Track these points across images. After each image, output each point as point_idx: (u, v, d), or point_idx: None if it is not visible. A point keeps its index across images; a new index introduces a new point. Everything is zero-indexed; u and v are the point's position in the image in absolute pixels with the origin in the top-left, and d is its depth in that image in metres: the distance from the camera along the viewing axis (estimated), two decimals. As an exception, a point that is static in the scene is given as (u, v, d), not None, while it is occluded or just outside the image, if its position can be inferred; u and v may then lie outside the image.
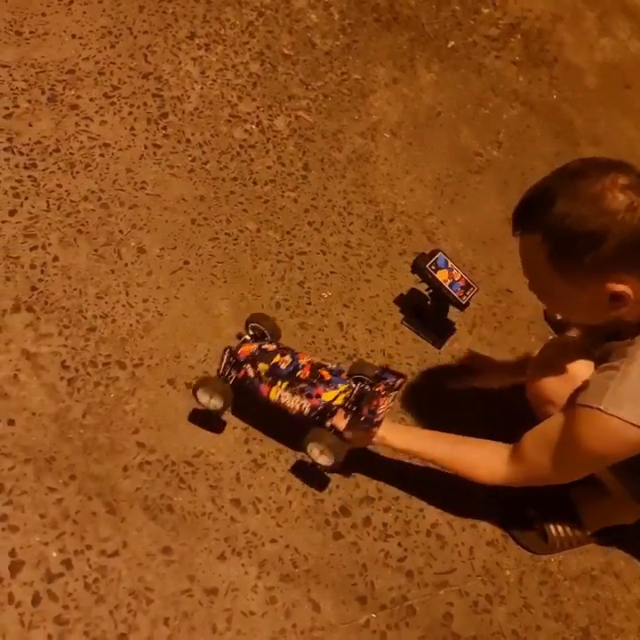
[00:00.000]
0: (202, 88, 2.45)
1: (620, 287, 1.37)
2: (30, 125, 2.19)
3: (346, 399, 1.71)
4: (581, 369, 1.63)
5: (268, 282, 2.14)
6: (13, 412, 1.75)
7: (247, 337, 1.83)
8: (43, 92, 2.26)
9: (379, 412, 1.66)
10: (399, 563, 1.82)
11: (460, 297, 2.04)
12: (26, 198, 2.06)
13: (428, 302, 2.13)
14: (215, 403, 1.75)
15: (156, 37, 2.51)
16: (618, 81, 3.10)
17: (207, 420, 1.86)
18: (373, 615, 1.74)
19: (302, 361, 1.78)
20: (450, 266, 2.08)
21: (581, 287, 1.40)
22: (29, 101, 2.23)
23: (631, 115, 3.00)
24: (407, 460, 1.95)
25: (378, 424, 1.69)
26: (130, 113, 2.32)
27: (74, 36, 2.41)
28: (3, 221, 2.01)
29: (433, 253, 2.09)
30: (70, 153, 2.18)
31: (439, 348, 2.14)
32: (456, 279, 2.07)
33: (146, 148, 2.27)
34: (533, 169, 2.68)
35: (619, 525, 1.89)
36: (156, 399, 1.87)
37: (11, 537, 1.61)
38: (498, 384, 2.05)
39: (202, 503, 1.76)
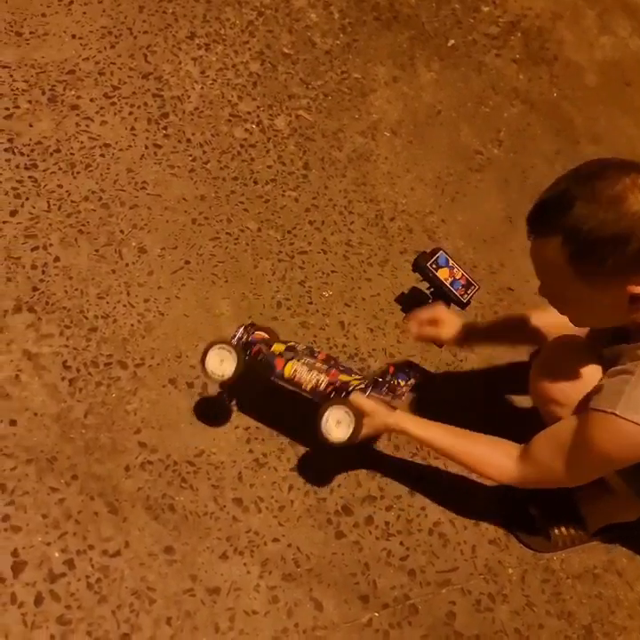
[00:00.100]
0: (202, 88, 2.45)
1: None
2: (31, 126, 2.19)
3: (362, 381, 1.71)
4: (586, 368, 1.63)
5: (269, 281, 2.14)
6: (15, 412, 1.75)
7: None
8: (43, 93, 2.26)
9: (400, 386, 1.69)
10: (401, 561, 1.82)
11: (462, 295, 2.04)
12: (27, 199, 2.07)
13: (430, 301, 2.13)
14: (225, 368, 1.71)
15: (156, 37, 2.51)
16: (618, 79, 3.10)
17: (210, 406, 1.87)
18: (376, 614, 1.74)
19: (318, 349, 1.79)
20: (451, 264, 2.07)
21: (602, 290, 1.38)
22: (30, 102, 2.24)
23: (631, 113, 3.00)
24: (409, 458, 1.96)
25: (400, 396, 1.69)
26: (130, 113, 2.32)
27: (74, 37, 2.41)
28: (4, 222, 2.01)
29: (434, 252, 2.08)
30: (71, 153, 2.18)
31: (441, 347, 2.13)
32: (457, 277, 2.06)
33: (146, 147, 2.27)
34: (534, 167, 2.68)
35: (621, 523, 1.89)
36: (158, 399, 1.87)
37: (13, 537, 1.61)
38: (462, 344, 2.01)
39: (204, 503, 1.76)
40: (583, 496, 1.88)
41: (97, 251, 2.04)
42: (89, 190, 2.13)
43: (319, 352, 1.77)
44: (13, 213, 2.03)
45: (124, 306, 1.98)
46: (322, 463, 1.89)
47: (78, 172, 2.15)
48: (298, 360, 1.73)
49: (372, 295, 2.21)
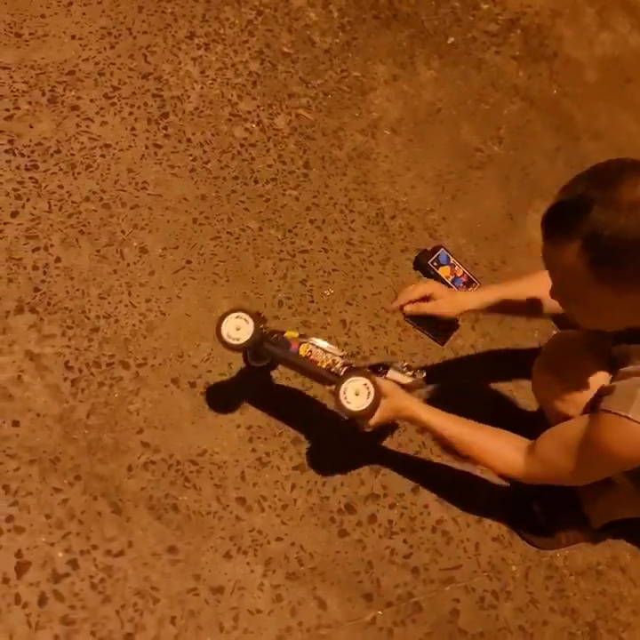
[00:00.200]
0: (202, 87, 2.45)
1: None
2: (31, 127, 2.19)
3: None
4: (590, 365, 1.63)
5: (271, 280, 2.14)
6: (18, 413, 1.76)
7: None
8: (43, 94, 2.26)
9: (414, 370, 1.70)
10: (405, 559, 1.82)
11: (463, 293, 2.04)
12: (27, 200, 2.07)
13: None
14: (240, 334, 1.70)
15: (155, 37, 2.51)
16: (618, 75, 3.10)
17: (218, 396, 1.86)
18: (379, 612, 1.74)
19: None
20: (452, 262, 2.07)
21: (621, 294, 1.35)
22: (30, 103, 2.24)
23: (632, 109, 2.99)
24: (411, 456, 1.96)
25: (410, 388, 1.70)
26: (130, 113, 2.32)
27: (73, 38, 2.41)
28: (5, 223, 2.01)
29: (435, 250, 2.08)
30: (71, 154, 2.18)
31: (442, 345, 2.12)
32: (458, 275, 2.06)
33: (147, 148, 2.27)
34: (534, 164, 2.67)
35: (625, 520, 1.89)
36: (160, 399, 1.87)
37: (17, 538, 1.62)
38: (457, 314, 1.88)
39: (207, 502, 1.77)
40: (586, 493, 1.87)
41: (98, 251, 2.04)
42: (90, 191, 2.14)
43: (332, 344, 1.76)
44: (14, 214, 2.03)
45: (126, 306, 1.98)
46: (325, 462, 1.89)
47: (79, 173, 2.16)
48: (312, 343, 1.72)
49: (373, 293, 2.21)
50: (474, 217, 2.48)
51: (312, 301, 2.14)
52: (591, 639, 1.84)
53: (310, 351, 1.71)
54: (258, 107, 2.48)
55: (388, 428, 1.99)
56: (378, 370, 1.72)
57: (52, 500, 1.68)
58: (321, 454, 1.90)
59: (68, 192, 2.11)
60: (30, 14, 2.41)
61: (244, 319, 1.71)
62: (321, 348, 1.71)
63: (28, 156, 2.14)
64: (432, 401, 2.02)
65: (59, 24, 2.42)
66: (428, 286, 1.81)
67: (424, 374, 1.74)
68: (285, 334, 1.74)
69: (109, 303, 1.97)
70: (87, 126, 2.25)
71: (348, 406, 1.61)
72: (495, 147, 2.68)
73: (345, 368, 1.68)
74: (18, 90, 2.24)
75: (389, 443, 1.98)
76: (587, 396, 1.68)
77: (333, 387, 1.64)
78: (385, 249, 2.31)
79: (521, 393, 2.14)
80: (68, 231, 2.05)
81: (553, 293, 1.49)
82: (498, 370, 2.19)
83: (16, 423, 1.74)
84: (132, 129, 2.29)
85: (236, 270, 2.13)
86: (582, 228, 1.29)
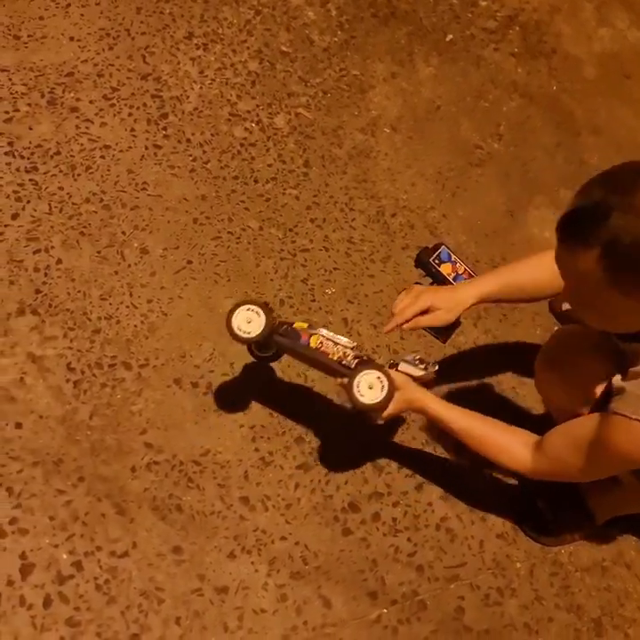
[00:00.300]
0: (201, 88, 2.45)
1: None
2: (30, 129, 2.20)
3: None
4: (594, 361, 1.63)
5: (272, 279, 2.14)
6: (20, 415, 1.76)
7: None
8: (42, 96, 2.26)
9: (427, 363, 1.69)
10: (409, 557, 1.82)
11: (465, 290, 2.03)
12: (28, 202, 2.07)
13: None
14: (251, 327, 1.68)
15: (154, 38, 2.51)
16: (617, 71, 3.09)
17: (225, 395, 1.86)
18: (384, 610, 1.74)
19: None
20: (453, 259, 2.06)
21: (638, 299, 1.34)
22: (29, 105, 2.24)
23: (631, 104, 2.98)
24: (415, 455, 1.96)
25: (431, 366, 1.70)
26: (130, 114, 2.32)
27: (72, 39, 2.41)
28: (5, 225, 2.01)
29: (436, 247, 2.08)
30: (71, 155, 2.18)
31: (444, 342, 2.11)
32: (460, 272, 2.05)
33: (146, 148, 2.27)
34: (534, 160, 2.67)
35: (630, 515, 1.89)
36: (163, 399, 1.87)
37: (21, 540, 1.62)
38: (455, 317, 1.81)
39: (210, 502, 1.77)
40: (591, 489, 1.87)
41: (99, 252, 2.04)
42: (90, 192, 2.14)
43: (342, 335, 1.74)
44: (15, 216, 2.03)
45: (127, 307, 1.98)
46: (328, 460, 1.89)
47: (79, 174, 2.16)
48: (322, 335, 1.70)
49: (374, 292, 2.21)
50: (474, 214, 2.48)
51: (313, 300, 2.14)
52: (596, 635, 1.84)
53: (321, 343, 1.69)
54: (257, 106, 2.48)
55: (396, 422, 1.99)
56: (389, 362, 1.72)
57: (55, 502, 1.68)
58: (324, 453, 1.90)
59: (68, 194, 2.11)
60: (28, 16, 2.41)
61: (255, 312, 1.68)
62: (331, 340, 1.69)
63: (28, 158, 2.14)
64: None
65: (57, 26, 2.42)
66: (423, 301, 1.71)
67: (436, 367, 1.72)
68: (294, 325, 1.73)
69: (111, 304, 1.97)
70: (87, 128, 2.25)
71: (362, 400, 1.59)
72: (495, 143, 2.68)
73: (356, 360, 1.66)
74: (17, 92, 2.25)
75: (393, 441, 1.97)
76: (592, 391, 1.68)
77: (345, 380, 1.62)
78: (386, 247, 2.31)
79: (524, 389, 2.13)
80: (68, 233, 2.05)
81: (566, 297, 1.47)
82: (500, 367, 2.19)
83: (19, 425, 1.74)
84: (132, 130, 2.29)
85: (237, 270, 2.12)
86: (601, 234, 1.27)
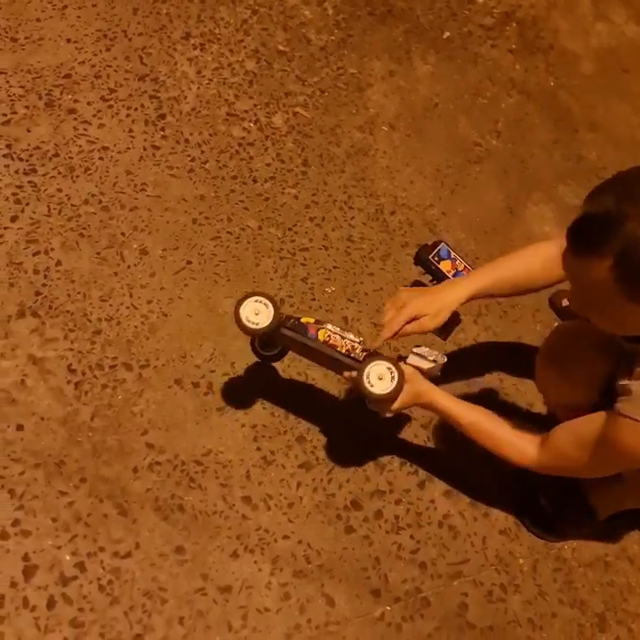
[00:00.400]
0: (198, 88, 2.45)
1: None
2: (29, 131, 2.20)
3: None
4: (595, 357, 1.63)
5: (272, 279, 2.14)
6: (22, 417, 1.76)
7: None
8: (40, 98, 2.27)
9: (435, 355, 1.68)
10: (412, 555, 1.82)
11: (464, 287, 2.03)
12: (27, 204, 2.07)
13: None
14: (260, 319, 1.66)
15: (151, 39, 2.51)
16: (615, 66, 3.09)
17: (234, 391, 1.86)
18: (388, 608, 1.74)
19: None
20: (453, 256, 2.07)
21: None
22: (27, 107, 2.24)
23: (629, 99, 2.98)
24: (417, 452, 1.96)
25: (440, 358, 1.69)
26: (127, 115, 2.32)
27: (69, 41, 2.41)
28: (5, 228, 2.01)
29: (435, 244, 2.08)
30: (69, 157, 2.18)
31: (445, 339, 2.12)
32: (459, 269, 2.06)
33: (145, 149, 2.27)
34: (533, 156, 2.67)
35: (632, 510, 1.88)
36: (164, 399, 1.87)
37: (23, 542, 1.62)
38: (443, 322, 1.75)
39: (213, 502, 1.77)
40: (592, 484, 1.87)
41: (98, 254, 2.04)
42: (89, 193, 2.14)
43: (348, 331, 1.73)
44: (14, 219, 2.03)
45: (128, 308, 1.98)
46: (330, 459, 1.89)
47: (77, 176, 2.16)
48: (329, 329, 1.70)
49: (374, 290, 2.21)
50: (473, 211, 2.48)
51: (313, 299, 2.14)
52: (600, 630, 1.84)
53: (329, 336, 1.68)
54: (255, 106, 2.48)
55: (402, 421, 1.99)
56: (397, 355, 1.72)
57: (57, 503, 1.68)
58: (326, 452, 1.90)
59: (67, 195, 2.11)
60: (25, 18, 2.41)
61: (264, 303, 1.67)
62: (339, 334, 1.68)
63: (27, 160, 2.14)
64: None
65: (54, 28, 2.42)
66: (408, 311, 1.66)
67: (445, 359, 1.71)
68: (302, 319, 1.72)
69: (111, 305, 1.97)
70: (85, 129, 2.25)
71: (372, 390, 1.58)
72: (493, 140, 2.68)
73: (365, 353, 1.65)
74: (14, 94, 2.25)
75: (394, 438, 1.97)
76: (592, 387, 1.68)
77: (353, 372, 1.61)
78: (385, 245, 2.31)
79: (524, 386, 2.13)
80: (67, 234, 2.05)
81: (574, 302, 1.46)
82: (501, 363, 2.19)
83: (20, 427, 1.74)
84: (130, 131, 2.29)
85: (236, 270, 2.13)
86: (613, 244, 1.25)
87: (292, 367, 1.99)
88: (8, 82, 2.27)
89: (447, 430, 1.97)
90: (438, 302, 1.67)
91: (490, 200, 2.53)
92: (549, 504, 1.90)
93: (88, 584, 1.61)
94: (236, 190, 2.28)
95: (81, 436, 1.77)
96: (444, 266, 2.04)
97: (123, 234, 2.09)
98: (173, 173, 2.25)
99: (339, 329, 1.70)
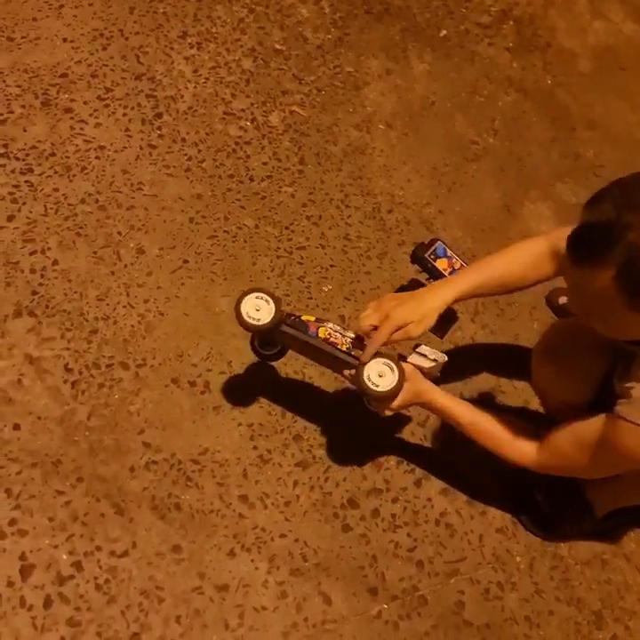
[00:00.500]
0: (195, 87, 2.45)
1: None
2: (25, 130, 2.20)
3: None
4: (591, 354, 1.63)
5: (268, 277, 2.14)
6: (18, 416, 1.76)
7: None
8: (36, 97, 2.27)
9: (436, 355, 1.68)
10: (409, 553, 1.82)
11: (461, 285, 2.03)
12: (23, 203, 2.07)
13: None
14: (261, 315, 1.65)
15: (147, 38, 2.51)
16: (612, 64, 3.09)
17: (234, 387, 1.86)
18: (385, 606, 1.74)
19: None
20: (449, 254, 2.07)
21: None
22: (23, 106, 2.24)
23: (627, 97, 2.98)
24: (414, 450, 1.96)
25: (440, 357, 1.68)
26: (124, 114, 2.32)
27: (65, 40, 2.41)
28: (1, 227, 2.02)
29: (431, 242, 2.09)
30: (66, 156, 2.18)
31: (441, 338, 2.12)
32: (456, 268, 2.06)
33: (141, 148, 2.27)
34: (530, 155, 2.67)
35: (629, 507, 1.88)
36: (161, 399, 1.87)
37: (20, 541, 1.62)
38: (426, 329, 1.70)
39: (209, 501, 1.77)
40: (589, 481, 1.87)
41: (95, 253, 2.04)
42: (85, 193, 2.14)
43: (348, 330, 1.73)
44: (11, 218, 2.03)
45: (124, 307, 1.98)
46: (327, 458, 1.89)
47: (74, 175, 2.16)
48: (330, 328, 1.69)
49: (371, 288, 2.21)
50: (470, 209, 2.48)
51: (310, 298, 2.14)
52: (597, 628, 1.84)
53: (329, 334, 1.67)
54: (252, 104, 2.48)
55: (402, 421, 1.99)
56: (397, 354, 1.71)
57: (54, 503, 1.68)
58: (323, 450, 1.90)
59: (63, 195, 2.11)
60: (22, 18, 2.41)
61: (265, 299, 1.66)
62: (339, 332, 1.68)
63: (23, 160, 2.14)
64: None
65: (50, 27, 2.42)
66: (393, 321, 1.60)
67: (445, 359, 1.71)
68: (302, 317, 1.72)
69: (108, 305, 1.97)
70: (81, 128, 2.25)
71: (372, 387, 1.58)
72: (490, 139, 2.68)
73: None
74: (11, 94, 2.25)
75: (391, 437, 1.98)
76: (589, 384, 1.69)
77: (354, 370, 1.61)
78: (382, 243, 2.31)
79: (522, 384, 2.13)
80: (64, 234, 2.05)
81: (574, 310, 1.45)
82: (498, 361, 2.19)
83: (17, 427, 1.75)
84: (127, 130, 2.29)
85: (233, 268, 2.13)
86: (616, 254, 1.23)
87: (288, 366, 1.99)
88: (4, 81, 2.27)
89: (444, 429, 1.97)
90: (422, 308, 1.63)
91: (487, 198, 2.53)
92: (546, 501, 1.90)
93: (85, 583, 1.61)
94: (233, 189, 2.28)
95: (78, 436, 1.77)
96: (441, 264, 2.05)
97: (119, 233, 2.09)
98: (170, 172, 2.25)
99: (339, 327, 1.70)
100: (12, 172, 2.11)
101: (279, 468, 1.86)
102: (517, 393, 2.13)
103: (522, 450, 1.65)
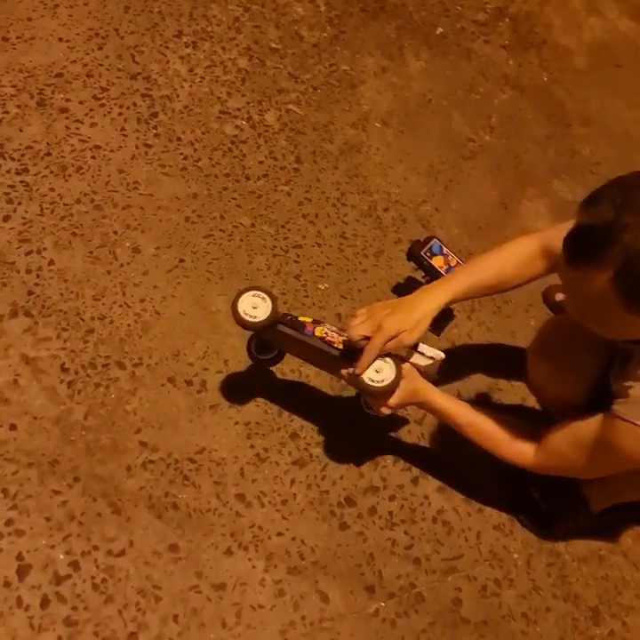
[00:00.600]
0: (191, 86, 2.45)
1: None
2: (21, 131, 2.20)
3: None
4: (587, 350, 1.63)
5: (265, 276, 2.14)
6: (15, 416, 1.76)
7: None
8: (32, 97, 2.26)
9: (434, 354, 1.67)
10: (406, 550, 1.82)
11: (457, 283, 2.03)
12: (19, 203, 2.07)
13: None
14: (257, 312, 1.65)
15: (142, 37, 2.51)
16: (608, 61, 3.09)
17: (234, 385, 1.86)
18: (382, 604, 1.74)
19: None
20: (445, 252, 2.07)
21: None
22: (19, 106, 2.24)
23: (623, 94, 2.98)
24: (410, 448, 1.96)
25: (437, 355, 1.67)
26: (120, 114, 2.32)
27: (61, 40, 2.41)
28: (-3, 227, 2.02)
29: (427, 240, 2.09)
30: (62, 156, 2.18)
31: (438, 335, 2.13)
32: (452, 265, 2.06)
33: (137, 148, 2.27)
34: (526, 152, 2.67)
35: (625, 503, 1.88)
36: (157, 398, 1.87)
37: (17, 541, 1.62)
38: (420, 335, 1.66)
39: (206, 499, 1.77)
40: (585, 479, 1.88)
41: (91, 252, 2.04)
42: (81, 192, 2.14)
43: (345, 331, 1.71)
44: (6, 219, 2.03)
45: (120, 306, 1.98)
46: (323, 456, 1.89)
47: (70, 175, 2.16)
48: (326, 327, 1.69)
49: (368, 286, 2.21)
50: (467, 207, 2.48)
51: (307, 296, 2.14)
52: (594, 624, 1.84)
53: (326, 333, 1.67)
54: (247, 103, 2.48)
55: (399, 422, 2.00)
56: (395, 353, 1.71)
57: (51, 503, 1.68)
58: (319, 448, 1.90)
59: (59, 194, 2.11)
60: (16, 18, 2.41)
61: (261, 297, 1.67)
62: (336, 332, 1.68)
63: (19, 160, 2.14)
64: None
65: (45, 27, 2.42)
66: (387, 331, 1.57)
67: (443, 356, 1.70)
68: (299, 317, 1.72)
69: (104, 304, 1.97)
70: (77, 128, 2.25)
71: (370, 383, 1.57)
72: (487, 136, 2.68)
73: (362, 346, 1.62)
74: (6, 94, 2.25)
75: (388, 435, 1.98)
76: (585, 380, 1.69)
77: (350, 369, 1.60)
78: (378, 241, 2.31)
79: (518, 381, 2.14)
80: (60, 234, 2.05)
81: (571, 311, 1.43)
82: (495, 358, 2.19)
83: (13, 427, 1.74)
84: (122, 129, 2.29)
85: (229, 267, 2.13)
86: (614, 256, 1.22)
87: (285, 364, 1.99)
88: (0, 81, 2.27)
89: (441, 426, 1.97)
90: (415, 315, 1.60)
91: (484, 196, 2.53)
92: (542, 498, 1.91)
93: (82, 583, 1.61)
94: (229, 188, 2.28)
95: (74, 435, 1.77)
96: (437, 261, 2.05)
97: (115, 232, 2.09)
98: (166, 171, 2.25)
99: (336, 328, 1.70)
100: (8, 172, 2.11)
101: (276, 467, 1.86)
102: (514, 390, 2.13)
103: (519, 451, 1.65)
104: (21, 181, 2.10)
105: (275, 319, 1.68)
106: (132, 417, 1.83)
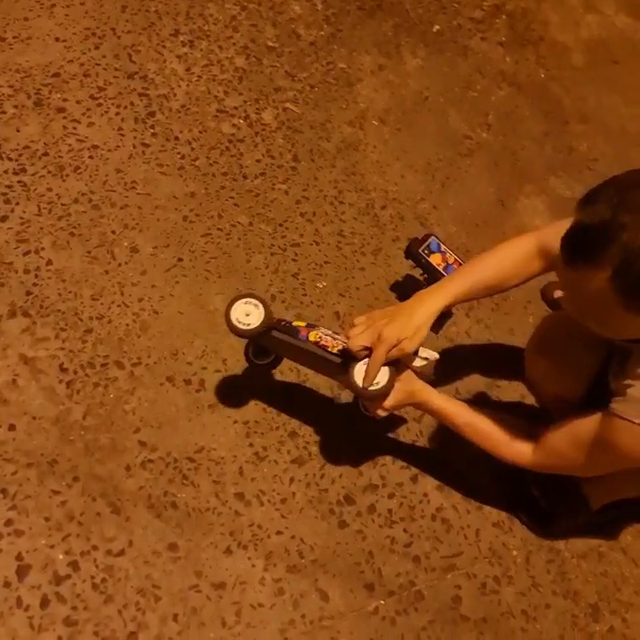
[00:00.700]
0: (188, 85, 2.45)
1: None
2: (18, 131, 2.19)
3: None
4: (585, 347, 1.63)
5: (263, 275, 2.14)
6: (14, 417, 1.76)
7: None
8: (29, 97, 2.26)
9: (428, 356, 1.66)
10: (405, 548, 1.83)
11: (455, 281, 2.03)
12: (17, 203, 2.07)
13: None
14: (251, 319, 1.66)
15: (139, 36, 2.51)
16: (605, 57, 3.09)
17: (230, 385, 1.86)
18: (382, 602, 1.74)
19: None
20: (443, 249, 2.07)
21: None
22: (16, 106, 2.24)
23: (620, 91, 2.98)
24: (409, 446, 1.96)
25: (431, 356, 1.66)
26: (117, 113, 2.32)
27: (57, 39, 2.41)
28: (-6, 228, 2.02)
29: (425, 238, 2.09)
30: (59, 156, 2.18)
31: (436, 333, 2.13)
32: (450, 262, 2.07)
33: (134, 147, 2.27)
34: (524, 149, 2.67)
35: (624, 500, 1.89)
36: (156, 397, 1.87)
37: (16, 541, 1.62)
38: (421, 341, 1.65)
39: (206, 498, 1.77)
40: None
41: (89, 252, 2.04)
42: (79, 192, 2.14)
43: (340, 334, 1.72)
44: (4, 219, 2.03)
45: (119, 306, 1.98)
46: (322, 454, 1.89)
47: (67, 175, 2.16)
48: (321, 331, 1.69)
49: (366, 284, 2.21)
50: (464, 204, 2.48)
51: (305, 294, 2.14)
52: (594, 620, 1.84)
53: (320, 337, 1.67)
54: (245, 102, 2.48)
55: (397, 422, 2.00)
56: None
57: (50, 503, 1.68)
58: (318, 447, 1.90)
59: (57, 194, 2.11)
60: (13, 17, 2.41)
61: (254, 304, 1.68)
62: (330, 336, 1.68)
63: (16, 160, 2.14)
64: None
65: (42, 26, 2.42)
66: (388, 340, 1.55)
67: (437, 356, 1.69)
68: (293, 323, 1.72)
69: (102, 304, 1.97)
70: (74, 128, 2.25)
71: (365, 387, 1.57)
72: (484, 133, 2.68)
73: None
74: (3, 94, 2.25)
75: (387, 433, 1.98)
76: (583, 377, 1.69)
77: (346, 374, 1.60)
78: (376, 239, 2.31)
79: (518, 379, 2.14)
80: (58, 234, 2.05)
81: (569, 310, 1.43)
82: (493, 356, 2.19)
83: (12, 427, 1.75)
84: (120, 129, 2.29)
85: (227, 266, 2.13)
86: (612, 255, 1.22)
87: (283, 363, 1.98)
88: (-4, 81, 2.27)
89: (440, 425, 1.97)
90: (414, 321, 1.58)
91: (481, 193, 2.53)
92: (542, 496, 1.91)
93: (81, 583, 1.61)
94: (227, 187, 2.28)
95: (73, 435, 1.77)
96: (434, 259, 2.05)
97: (113, 232, 2.09)
98: (163, 171, 2.25)
99: (330, 331, 1.70)
100: (5, 172, 2.11)
101: (275, 466, 1.86)
102: (513, 387, 2.13)
103: (518, 450, 1.65)
104: (19, 181, 2.10)
105: (268, 325, 1.68)
106: (130, 416, 1.83)
